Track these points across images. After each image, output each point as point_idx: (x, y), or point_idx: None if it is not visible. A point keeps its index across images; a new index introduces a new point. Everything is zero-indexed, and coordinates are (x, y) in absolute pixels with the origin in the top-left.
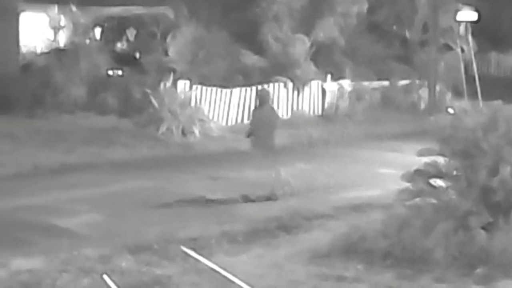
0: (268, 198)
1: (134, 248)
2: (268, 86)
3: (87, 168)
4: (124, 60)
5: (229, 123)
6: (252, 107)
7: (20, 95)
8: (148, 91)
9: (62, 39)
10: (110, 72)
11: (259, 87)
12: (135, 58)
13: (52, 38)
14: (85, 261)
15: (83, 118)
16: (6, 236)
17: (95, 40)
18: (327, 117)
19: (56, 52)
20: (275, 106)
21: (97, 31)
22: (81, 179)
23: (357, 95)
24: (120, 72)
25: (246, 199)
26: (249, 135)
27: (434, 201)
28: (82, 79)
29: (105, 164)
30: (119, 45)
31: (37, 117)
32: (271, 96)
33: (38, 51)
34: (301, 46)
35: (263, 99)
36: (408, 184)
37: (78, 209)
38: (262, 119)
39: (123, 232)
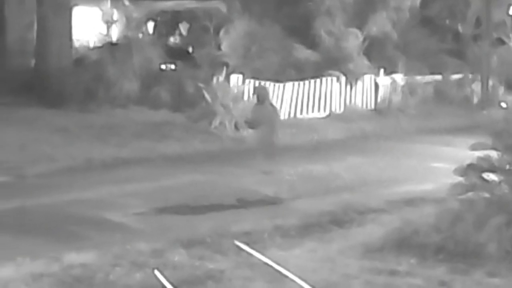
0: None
1: (187, 242)
2: (321, 80)
3: (139, 162)
4: (177, 54)
5: (282, 117)
6: (302, 101)
7: (73, 89)
8: (201, 85)
9: (115, 33)
10: (163, 66)
11: (311, 81)
12: (188, 52)
13: (105, 32)
14: (137, 255)
15: (135, 112)
16: (59, 230)
17: (148, 34)
18: (380, 111)
19: (109, 46)
20: (274, 103)
21: (150, 25)
22: (133, 173)
23: (410, 89)
24: (173, 66)
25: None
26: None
27: (487, 195)
28: (135, 73)
29: (157, 158)
30: (172, 39)
31: (90, 111)
32: (269, 93)
33: (91, 45)
34: (353, 40)
35: (261, 96)
36: (461, 178)
37: (131, 203)
38: (261, 116)
39: (176, 226)
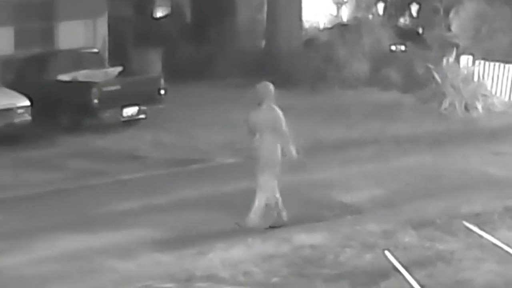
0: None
1: (417, 223)
2: None
3: (369, 143)
4: (407, 35)
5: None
6: None
7: (302, 70)
8: (431, 66)
9: (345, 15)
10: (393, 47)
11: None
12: (418, 33)
13: (335, 13)
14: (367, 237)
15: (365, 93)
16: (289, 212)
17: (378, 15)
18: None
19: (339, 27)
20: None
21: (380, 6)
22: (363, 154)
23: None
24: (403, 48)
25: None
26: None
27: None
28: (364, 55)
29: (387, 139)
30: (402, 20)
31: (319, 92)
32: (273, 92)
33: (321, 26)
34: None
35: (260, 96)
36: None
37: (361, 184)
38: (259, 123)
39: (406, 207)
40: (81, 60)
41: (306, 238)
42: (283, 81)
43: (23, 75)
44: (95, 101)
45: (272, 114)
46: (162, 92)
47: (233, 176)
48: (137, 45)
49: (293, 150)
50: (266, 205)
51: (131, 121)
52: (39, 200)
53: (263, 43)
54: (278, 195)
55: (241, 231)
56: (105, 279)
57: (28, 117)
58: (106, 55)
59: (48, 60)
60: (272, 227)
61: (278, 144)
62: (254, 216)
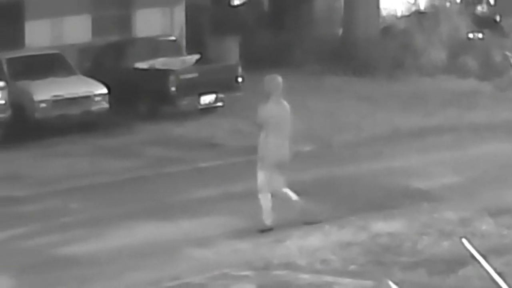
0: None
1: (494, 211)
2: None
3: (446, 131)
4: (484, 23)
5: None
6: None
7: (380, 58)
8: (508, 54)
9: (423, 2)
10: (470, 35)
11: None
12: (495, 21)
13: (412, 1)
14: (445, 224)
15: (443, 81)
16: (367, 199)
17: (455, 3)
18: None
19: (416, 15)
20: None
21: None
22: (440, 142)
23: None
24: (480, 35)
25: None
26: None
27: None
28: (442, 42)
29: (464, 127)
30: (479, 8)
31: (396, 80)
32: (281, 85)
33: (398, 14)
34: None
35: (268, 89)
36: None
37: (438, 172)
38: (267, 117)
39: (483, 195)
40: (158, 48)
41: (383, 226)
42: (360, 69)
43: (101, 63)
44: (173, 89)
45: (281, 108)
46: (240, 79)
47: (311, 164)
48: (214, 33)
49: (291, 148)
50: (280, 200)
51: (209, 109)
52: (117, 187)
53: (340, 31)
54: (287, 190)
55: (314, 220)
56: (182, 267)
57: (105, 105)
58: (184, 43)
59: (125, 48)
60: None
61: (287, 140)
62: (267, 216)
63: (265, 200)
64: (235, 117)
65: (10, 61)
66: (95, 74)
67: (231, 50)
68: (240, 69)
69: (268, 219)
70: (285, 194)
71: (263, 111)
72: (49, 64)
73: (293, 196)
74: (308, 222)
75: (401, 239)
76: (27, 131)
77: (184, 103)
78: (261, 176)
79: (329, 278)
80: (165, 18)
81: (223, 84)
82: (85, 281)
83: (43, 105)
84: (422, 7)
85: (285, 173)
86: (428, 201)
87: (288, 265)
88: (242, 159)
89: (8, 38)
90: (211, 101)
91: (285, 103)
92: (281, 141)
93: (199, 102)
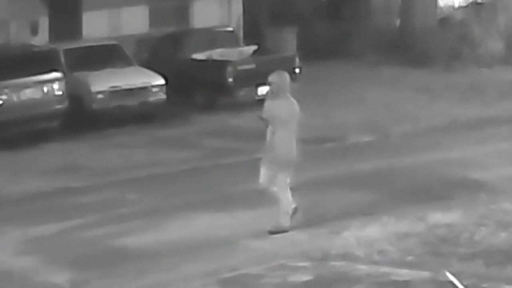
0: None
1: None
2: None
3: (504, 122)
4: None
5: None
6: None
7: (437, 49)
8: None
9: None
10: None
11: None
12: None
13: None
14: (503, 215)
15: (500, 72)
16: (424, 190)
17: None
18: None
19: (474, 6)
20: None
21: None
22: (498, 132)
23: None
24: None
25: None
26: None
27: None
28: (499, 33)
29: None
30: None
31: (453, 71)
32: (288, 81)
33: (456, 5)
34: None
35: (275, 87)
36: None
37: (496, 163)
38: (275, 115)
39: None
40: (216, 39)
41: (441, 217)
42: (418, 60)
43: (158, 53)
44: (230, 79)
45: (289, 105)
46: (297, 70)
47: (368, 155)
48: (271, 23)
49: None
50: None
51: None
52: (174, 178)
53: (398, 21)
54: (287, 194)
55: (374, 210)
56: (239, 258)
57: (163, 96)
58: (241, 33)
59: (183, 38)
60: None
61: (295, 138)
62: (286, 217)
63: (284, 199)
64: None
65: (67, 52)
66: (152, 65)
67: (288, 40)
68: (297, 60)
69: (287, 219)
70: (283, 198)
71: (270, 107)
72: (106, 55)
73: (291, 203)
74: (366, 213)
75: (459, 230)
76: (84, 122)
77: (241, 94)
78: (264, 174)
79: (386, 269)
80: (222, 9)
81: None
82: (142, 273)
83: (100, 96)
84: None
85: (291, 174)
86: (486, 192)
87: (346, 256)
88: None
89: (65, 29)
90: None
91: (293, 100)
92: (288, 139)
93: (256, 93)
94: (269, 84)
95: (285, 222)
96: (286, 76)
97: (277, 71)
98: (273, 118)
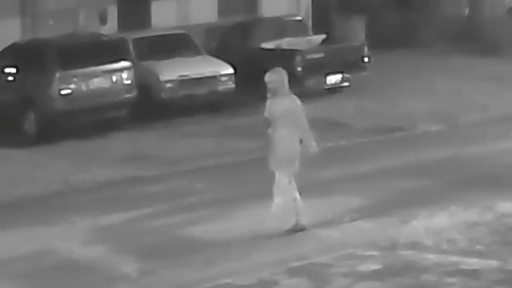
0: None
1: None
2: None
3: None
4: None
5: None
6: None
7: (506, 38)
8: None
9: None
10: None
11: None
12: None
13: None
14: None
15: None
16: (493, 179)
17: None
18: None
19: None
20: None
21: None
22: None
23: None
24: None
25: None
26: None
27: None
28: None
29: None
30: None
31: None
32: (287, 78)
33: None
34: None
35: (274, 85)
36: None
37: None
38: (275, 113)
39: None
40: (285, 28)
41: (509, 206)
42: (487, 49)
43: (227, 43)
44: (299, 68)
45: (289, 103)
46: (366, 59)
47: (437, 144)
48: (340, 12)
49: (312, 142)
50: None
51: (335, 89)
52: (242, 168)
53: (467, 10)
54: (297, 195)
55: (442, 199)
56: (308, 247)
57: (231, 85)
58: (310, 22)
59: (252, 28)
60: (290, 231)
61: (297, 137)
62: (273, 217)
63: (277, 200)
64: (361, 97)
65: (136, 41)
66: (221, 54)
67: (357, 29)
68: (366, 49)
69: (302, 218)
70: (296, 201)
71: (270, 106)
72: (175, 44)
73: (300, 208)
74: (434, 202)
75: None
76: (153, 111)
77: (310, 83)
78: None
79: (455, 258)
80: None
81: (349, 64)
82: (210, 262)
83: (169, 85)
84: None
85: (296, 173)
86: None
87: (414, 245)
88: (368, 139)
89: (134, 19)
90: (337, 81)
91: (295, 97)
92: (290, 137)
93: (325, 82)
94: (267, 84)
95: (273, 222)
96: (284, 74)
97: (274, 70)
98: (273, 117)
